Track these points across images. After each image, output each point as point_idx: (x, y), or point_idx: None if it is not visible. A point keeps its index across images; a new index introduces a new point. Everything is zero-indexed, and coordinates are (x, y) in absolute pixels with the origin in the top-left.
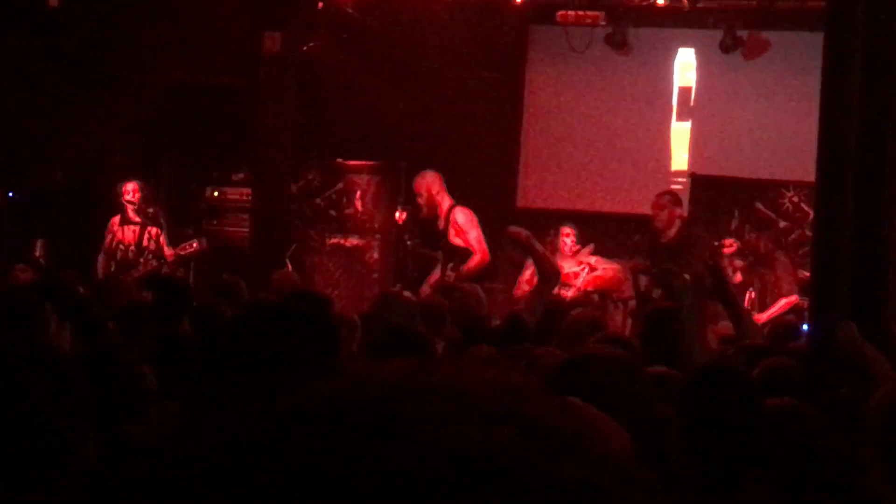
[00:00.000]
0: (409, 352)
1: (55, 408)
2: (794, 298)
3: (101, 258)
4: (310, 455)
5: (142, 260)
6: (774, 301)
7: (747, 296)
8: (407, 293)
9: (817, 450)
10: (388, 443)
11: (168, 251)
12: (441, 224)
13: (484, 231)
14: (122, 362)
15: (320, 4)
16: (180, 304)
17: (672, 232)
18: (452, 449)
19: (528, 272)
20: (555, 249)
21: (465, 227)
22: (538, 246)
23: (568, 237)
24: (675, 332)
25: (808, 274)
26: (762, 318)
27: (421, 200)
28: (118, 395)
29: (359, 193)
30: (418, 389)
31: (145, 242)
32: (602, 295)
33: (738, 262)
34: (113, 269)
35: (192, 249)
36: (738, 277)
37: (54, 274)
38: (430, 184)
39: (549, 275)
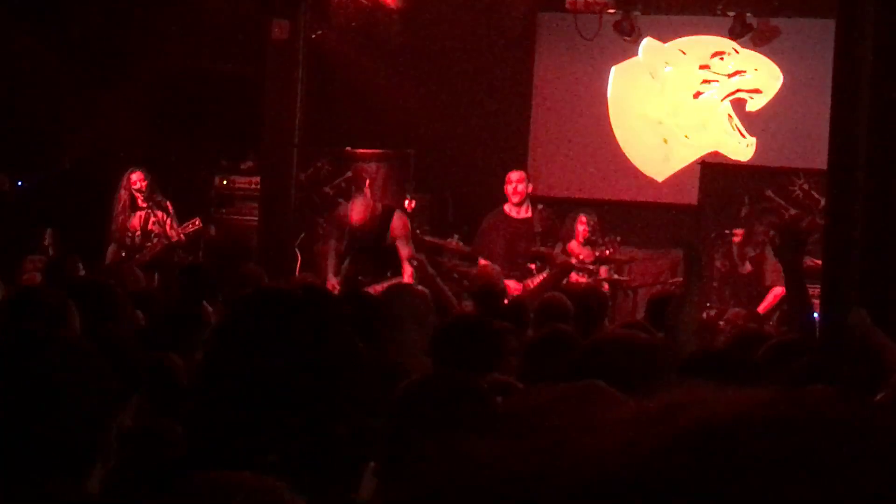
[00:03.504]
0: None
1: (78, 397)
2: (781, 290)
3: (111, 246)
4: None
5: (148, 244)
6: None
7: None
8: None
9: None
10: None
11: (172, 232)
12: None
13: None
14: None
15: None
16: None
17: None
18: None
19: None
20: (569, 236)
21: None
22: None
23: (582, 225)
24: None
25: (819, 262)
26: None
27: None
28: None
29: (367, 181)
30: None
31: (150, 226)
32: (613, 283)
33: (749, 252)
34: (123, 255)
35: (193, 228)
36: (749, 268)
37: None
38: None
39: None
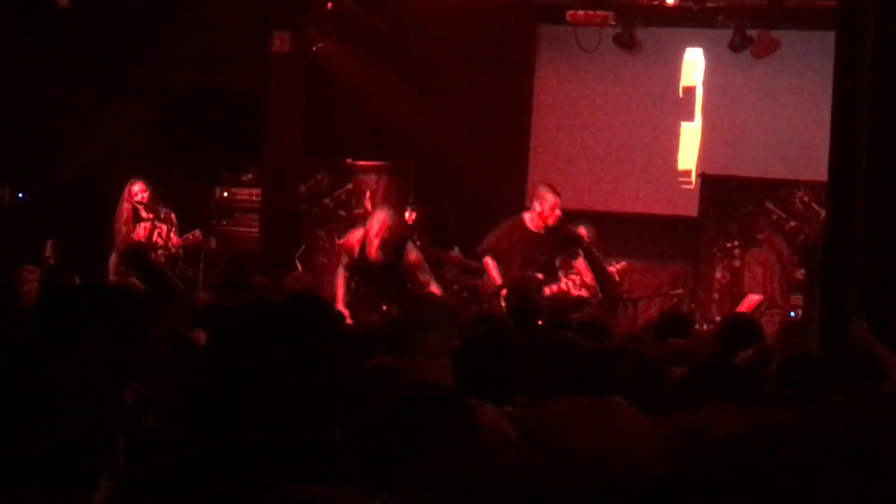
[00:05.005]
0: None
1: (88, 412)
2: (757, 298)
3: (113, 257)
4: None
5: (152, 256)
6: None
7: None
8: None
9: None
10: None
11: (174, 242)
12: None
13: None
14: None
15: (329, 5)
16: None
17: None
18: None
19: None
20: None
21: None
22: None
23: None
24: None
25: None
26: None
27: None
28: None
29: (368, 194)
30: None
31: (154, 238)
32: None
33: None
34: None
35: (193, 239)
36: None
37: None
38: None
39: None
